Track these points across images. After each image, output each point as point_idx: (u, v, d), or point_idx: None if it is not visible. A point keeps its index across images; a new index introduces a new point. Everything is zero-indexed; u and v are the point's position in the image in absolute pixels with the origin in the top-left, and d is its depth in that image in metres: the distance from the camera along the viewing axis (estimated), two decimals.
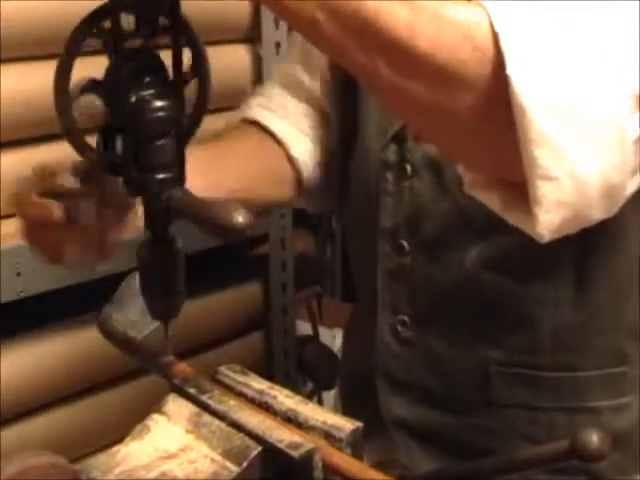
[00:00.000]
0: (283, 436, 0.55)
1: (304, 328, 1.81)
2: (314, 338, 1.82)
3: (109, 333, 0.74)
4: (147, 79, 0.59)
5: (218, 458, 0.55)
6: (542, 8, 0.54)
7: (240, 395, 0.62)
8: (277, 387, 0.63)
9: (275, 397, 0.61)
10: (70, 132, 0.61)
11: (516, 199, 0.57)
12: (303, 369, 1.74)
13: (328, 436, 0.57)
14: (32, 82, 1.21)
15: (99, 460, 0.56)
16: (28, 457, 0.55)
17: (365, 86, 0.57)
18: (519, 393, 0.84)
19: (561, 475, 0.77)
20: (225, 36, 1.51)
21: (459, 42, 0.52)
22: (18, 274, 1.16)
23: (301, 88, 0.97)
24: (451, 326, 0.84)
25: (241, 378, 0.64)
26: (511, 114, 0.52)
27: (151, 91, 0.58)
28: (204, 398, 0.60)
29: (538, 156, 0.53)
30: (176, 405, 0.60)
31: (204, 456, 0.55)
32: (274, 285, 1.62)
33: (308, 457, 0.53)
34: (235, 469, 0.53)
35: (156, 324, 0.74)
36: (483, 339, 0.83)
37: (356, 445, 0.57)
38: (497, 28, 0.52)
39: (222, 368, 0.65)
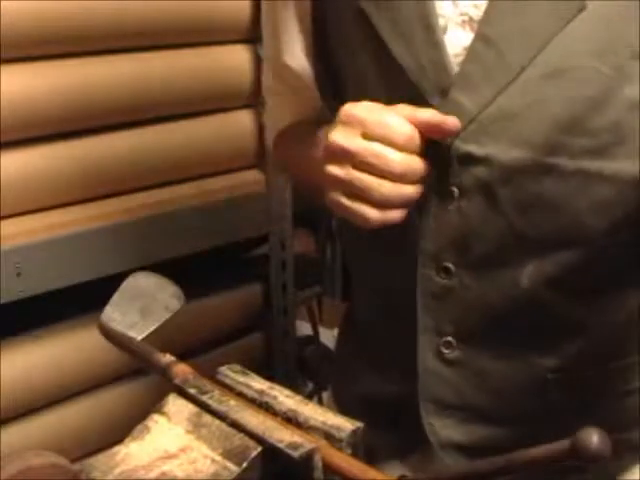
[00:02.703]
0: (283, 436, 0.55)
1: (304, 328, 1.81)
2: (314, 338, 1.82)
3: (109, 333, 0.74)
4: None
5: (218, 458, 0.55)
6: None
7: (240, 395, 0.62)
8: (277, 387, 0.63)
9: (275, 397, 0.61)
10: None
11: None
12: (303, 369, 1.74)
13: (328, 436, 0.57)
14: (32, 82, 1.21)
15: (99, 460, 0.56)
16: (28, 457, 0.55)
17: None
18: (575, 394, 0.83)
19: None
20: (225, 36, 1.51)
21: None
22: (18, 274, 1.16)
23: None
24: (503, 342, 0.82)
25: (241, 378, 0.64)
26: None
27: None
28: (204, 398, 0.60)
29: None
30: (176, 405, 0.60)
31: (204, 456, 0.55)
32: (274, 285, 1.62)
33: (308, 457, 0.53)
34: (235, 469, 0.53)
35: (156, 324, 0.74)
36: (539, 351, 0.82)
37: (356, 445, 0.57)
38: None
39: (222, 368, 0.65)
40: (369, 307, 0.95)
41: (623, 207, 0.76)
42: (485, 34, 0.74)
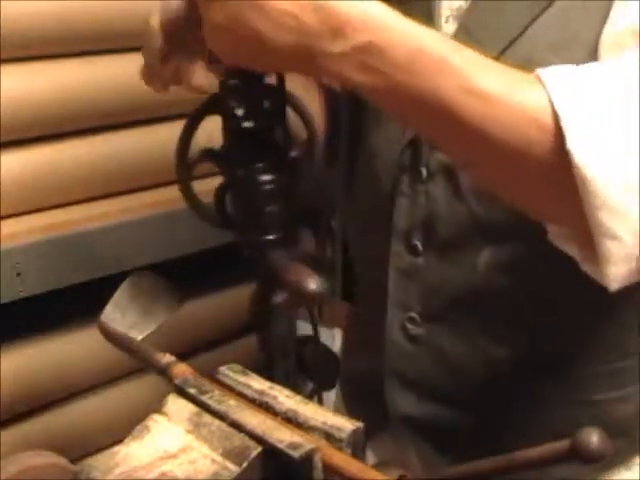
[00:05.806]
0: (283, 436, 0.55)
1: (304, 328, 1.81)
2: (314, 338, 1.82)
3: (109, 334, 0.74)
4: (257, 155, 0.68)
5: (218, 458, 0.55)
6: (600, 77, 0.59)
7: (240, 395, 0.62)
8: (277, 387, 0.63)
9: (275, 397, 0.61)
10: (187, 194, 0.77)
11: (592, 253, 0.61)
12: (303, 369, 1.74)
13: (328, 436, 0.57)
14: (32, 82, 1.21)
15: (99, 460, 0.56)
16: (28, 457, 0.55)
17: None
18: (527, 389, 0.85)
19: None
20: None
21: (527, 126, 0.58)
22: (18, 274, 1.16)
23: None
24: (462, 323, 0.85)
25: (241, 378, 0.64)
26: (575, 184, 0.58)
27: (260, 165, 0.67)
28: (204, 398, 0.60)
29: (602, 218, 0.58)
30: (176, 405, 0.60)
31: (204, 456, 0.55)
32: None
33: (308, 457, 0.53)
34: (235, 469, 0.53)
35: (156, 325, 0.74)
36: (494, 338, 0.84)
37: (356, 445, 0.57)
38: (557, 107, 0.57)
39: (222, 368, 0.65)
40: (359, 280, 1.00)
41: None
42: (466, 25, 0.80)
